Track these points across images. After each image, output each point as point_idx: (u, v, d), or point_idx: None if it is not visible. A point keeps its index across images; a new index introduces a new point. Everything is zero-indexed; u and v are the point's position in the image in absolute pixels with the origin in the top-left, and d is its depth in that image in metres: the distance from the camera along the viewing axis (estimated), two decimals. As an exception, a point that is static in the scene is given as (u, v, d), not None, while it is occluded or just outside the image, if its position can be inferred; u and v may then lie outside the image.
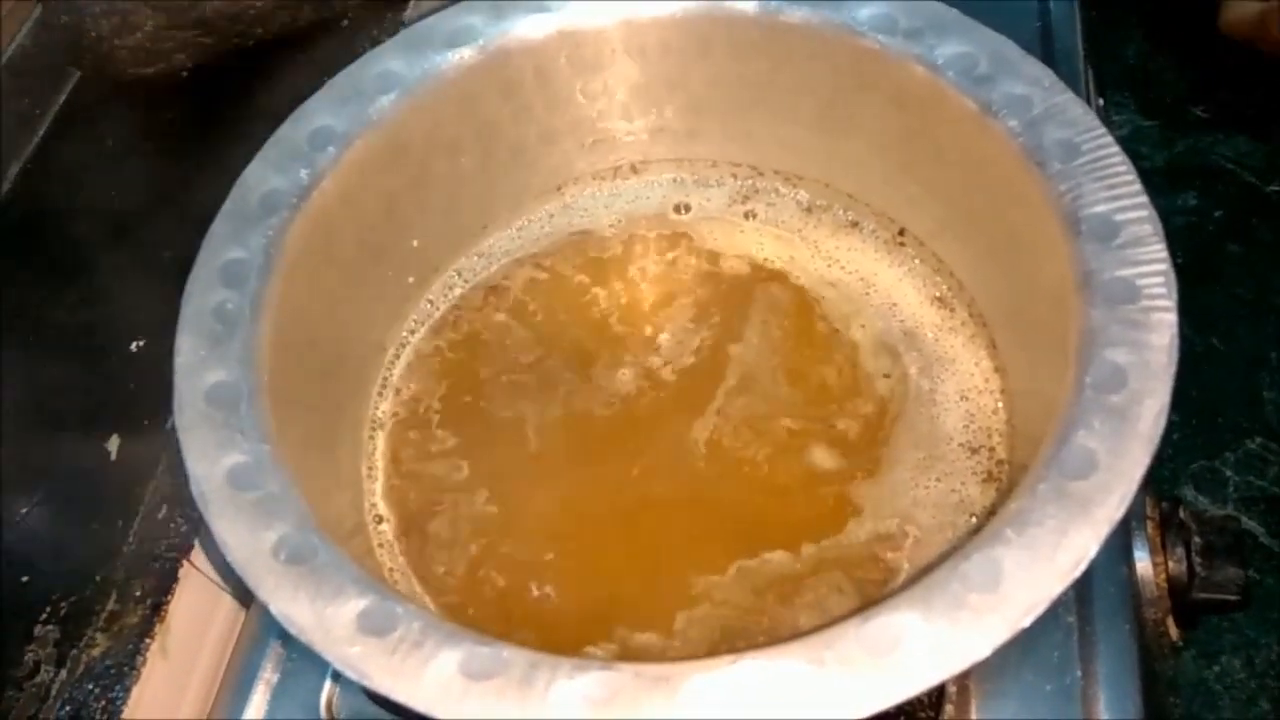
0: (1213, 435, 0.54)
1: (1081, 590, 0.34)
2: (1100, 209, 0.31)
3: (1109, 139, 0.32)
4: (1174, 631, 0.37)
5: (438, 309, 0.42)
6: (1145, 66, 0.67)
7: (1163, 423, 0.27)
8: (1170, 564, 0.36)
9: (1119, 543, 0.36)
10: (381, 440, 0.39)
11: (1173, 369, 0.28)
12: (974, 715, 0.33)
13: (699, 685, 0.24)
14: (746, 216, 0.43)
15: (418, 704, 0.25)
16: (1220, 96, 0.64)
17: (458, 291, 0.42)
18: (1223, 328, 0.57)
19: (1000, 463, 0.35)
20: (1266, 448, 0.54)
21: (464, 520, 0.37)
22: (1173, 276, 0.29)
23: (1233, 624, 0.49)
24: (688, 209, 0.43)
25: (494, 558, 0.36)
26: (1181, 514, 0.37)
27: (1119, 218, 0.30)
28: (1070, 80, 0.35)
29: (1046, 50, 0.49)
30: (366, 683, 0.25)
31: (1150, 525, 0.37)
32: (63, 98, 0.54)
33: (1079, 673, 0.33)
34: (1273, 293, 0.58)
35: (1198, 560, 0.36)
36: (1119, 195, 0.31)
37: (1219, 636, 0.49)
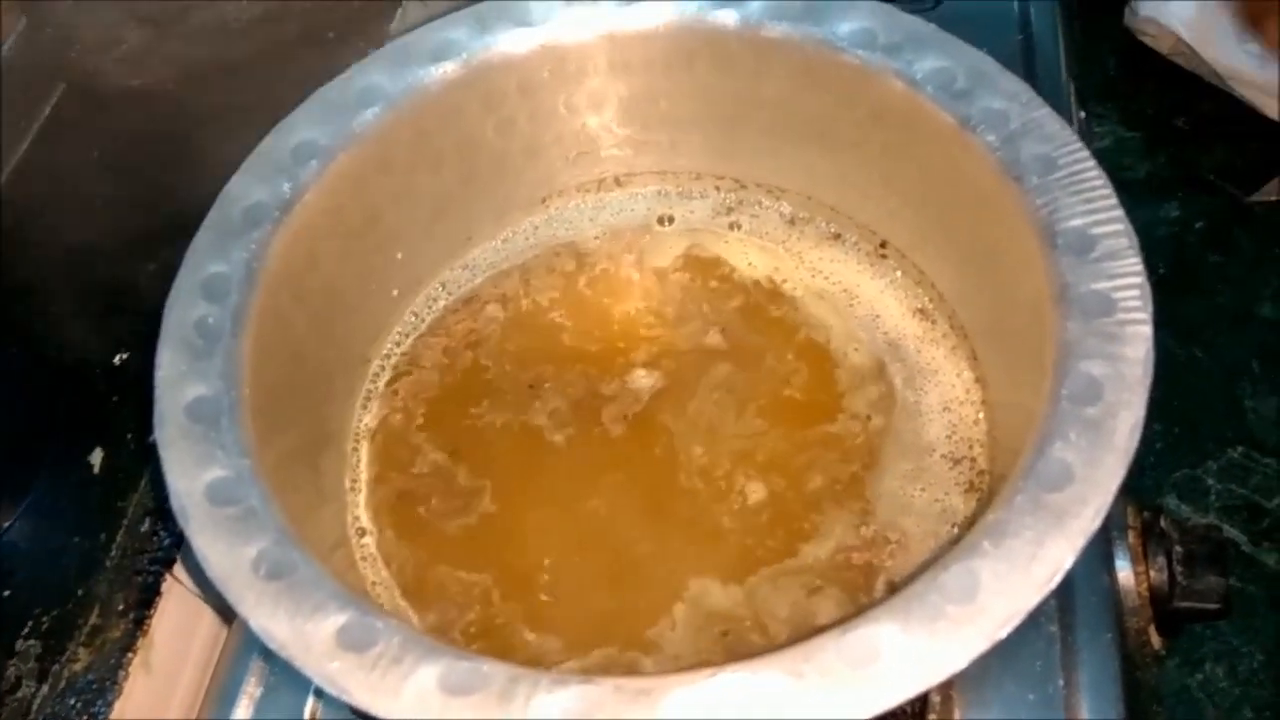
0: (1195, 444, 0.54)
1: (1064, 599, 0.34)
2: (1076, 223, 0.31)
3: (1086, 153, 0.32)
4: (1156, 640, 0.37)
5: (422, 321, 0.42)
6: (1127, 78, 0.68)
7: (1138, 435, 0.27)
8: (1152, 573, 0.36)
9: (1101, 552, 0.36)
10: (365, 453, 0.39)
11: (1148, 381, 0.28)
12: (956, 725, 0.33)
13: (679, 699, 0.24)
14: (731, 228, 0.43)
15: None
16: (1201, 108, 0.65)
17: (442, 304, 0.42)
18: (1204, 337, 0.57)
19: (981, 473, 0.36)
20: (1248, 456, 0.54)
21: (447, 533, 0.37)
22: (1148, 290, 0.29)
23: (1215, 632, 0.49)
24: (672, 221, 0.43)
25: (478, 570, 0.36)
26: (1163, 523, 0.37)
27: (1095, 231, 0.31)
28: (1052, 92, 0.35)
29: (1028, 63, 0.49)
30: (346, 698, 0.25)
31: (1132, 534, 0.37)
32: (48, 109, 0.54)
33: (1061, 681, 0.33)
34: (1253, 302, 0.59)
35: (1179, 569, 0.36)
36: (1095, 209, 0.31)
37: (1201, 645, 0.49)
